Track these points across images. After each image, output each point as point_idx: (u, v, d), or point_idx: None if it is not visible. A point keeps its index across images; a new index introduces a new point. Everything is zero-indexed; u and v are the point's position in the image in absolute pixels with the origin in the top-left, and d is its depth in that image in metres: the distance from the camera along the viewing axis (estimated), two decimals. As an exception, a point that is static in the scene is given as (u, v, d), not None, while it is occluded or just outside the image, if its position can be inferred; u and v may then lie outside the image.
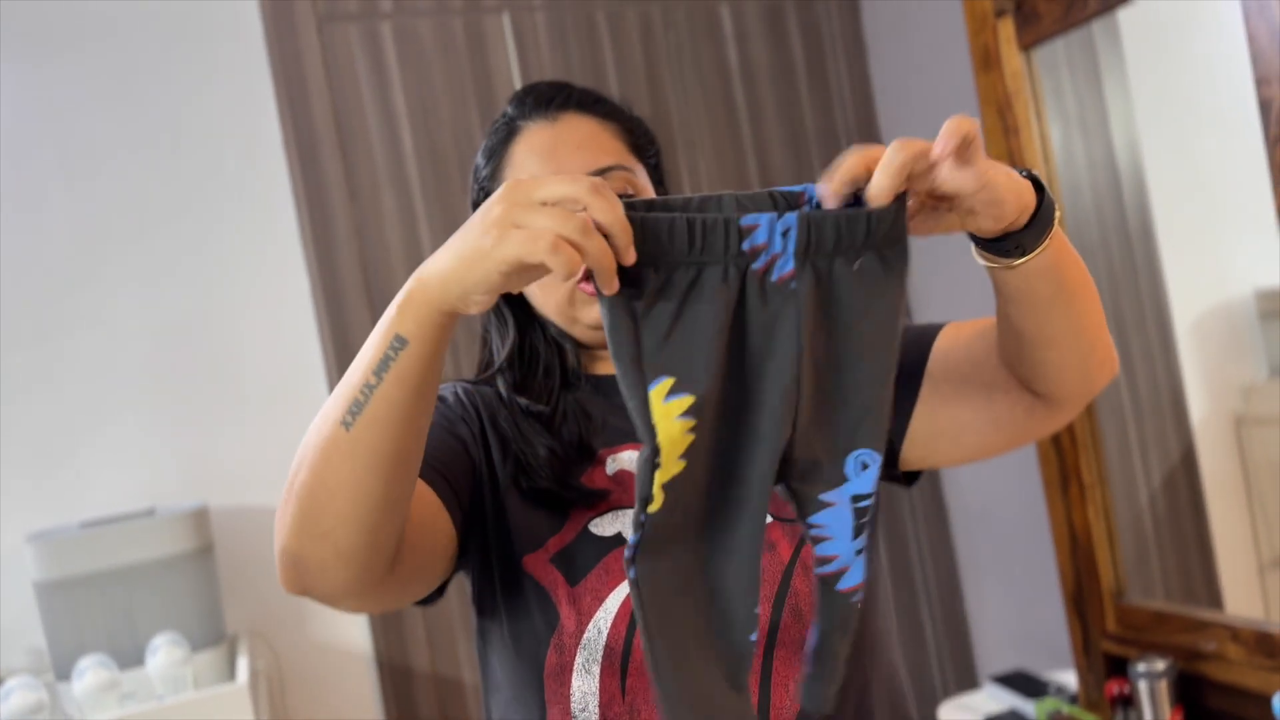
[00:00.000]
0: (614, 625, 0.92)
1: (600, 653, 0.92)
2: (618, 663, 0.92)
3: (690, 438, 0.71)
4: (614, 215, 0.68)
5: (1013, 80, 1.89)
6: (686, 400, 0.70)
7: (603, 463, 1.00)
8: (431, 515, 0.91)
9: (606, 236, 0.68)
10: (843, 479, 0.75)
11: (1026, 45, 1.88)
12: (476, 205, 1.03)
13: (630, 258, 0.69)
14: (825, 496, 0.76)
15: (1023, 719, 2.04)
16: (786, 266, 0.71)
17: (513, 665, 0.97)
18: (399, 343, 0.72)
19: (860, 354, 0.73)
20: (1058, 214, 0.79)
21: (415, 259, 2.39)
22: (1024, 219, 0.76)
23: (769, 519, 0.94)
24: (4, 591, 2.13)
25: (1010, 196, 0.74)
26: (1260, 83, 1.48)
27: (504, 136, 1.03)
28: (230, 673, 2.03)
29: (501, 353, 1.05)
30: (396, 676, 2.33)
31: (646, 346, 0.70)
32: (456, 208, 2.41)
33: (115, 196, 2.27)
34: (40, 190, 2.24)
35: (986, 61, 1.93)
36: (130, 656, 1.95)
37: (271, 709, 2.14)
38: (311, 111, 2.34)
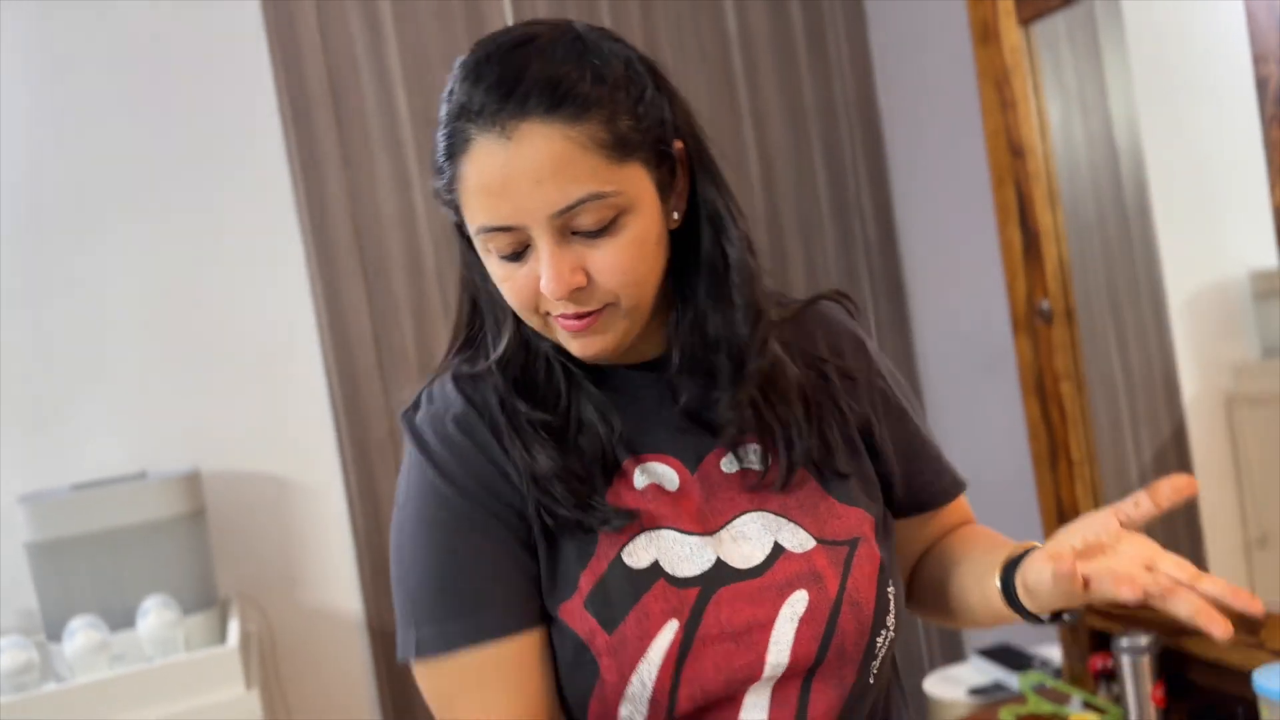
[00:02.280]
0: (659, 677, 0.85)
1: (646, 706, 0.86)
2: (663, 715, 0.86)
3: None
4: None
5: (1011, 54, 1.88)
6: None
7: (629, 475, 0.90)
8: (544, 655, 0.88)
9: None
10: None
11: (1026, 19, 1.87)
12: (443, 198, 0.87)
13: None
14: None
15: (1007, 691, 2.06)
16: None
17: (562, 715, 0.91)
18: None
19: None
20: None
21: (409, 223, 2.39)
22: None
23: (813, 542, 0.90)
24: (-4, 552, 2.13)
25: None
26: (1257, 60, 1.47)
27: (454, 144, 0.83)
28: (221, 636, 2.04)
29: (500, 345, 0.91)
30: (388, 641, 2.35)
31: None
32: (451, 175, 2.40)
33: (109, 160, 2.26)
34: (34, 154, 2.22)
35: (985, 35, 1.91)
36: (121, 618, 1.96)
37: (262, 672, 2.15)
38: (305, 74, 2.33)
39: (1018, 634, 2.31)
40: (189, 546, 2.05)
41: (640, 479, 0.90)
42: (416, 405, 0.93)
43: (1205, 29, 1.85)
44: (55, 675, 1.96)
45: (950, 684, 2.15)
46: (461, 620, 0.86)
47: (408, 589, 0.89)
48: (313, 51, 2.33)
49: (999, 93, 1.91)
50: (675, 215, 0.89)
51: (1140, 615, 1.84)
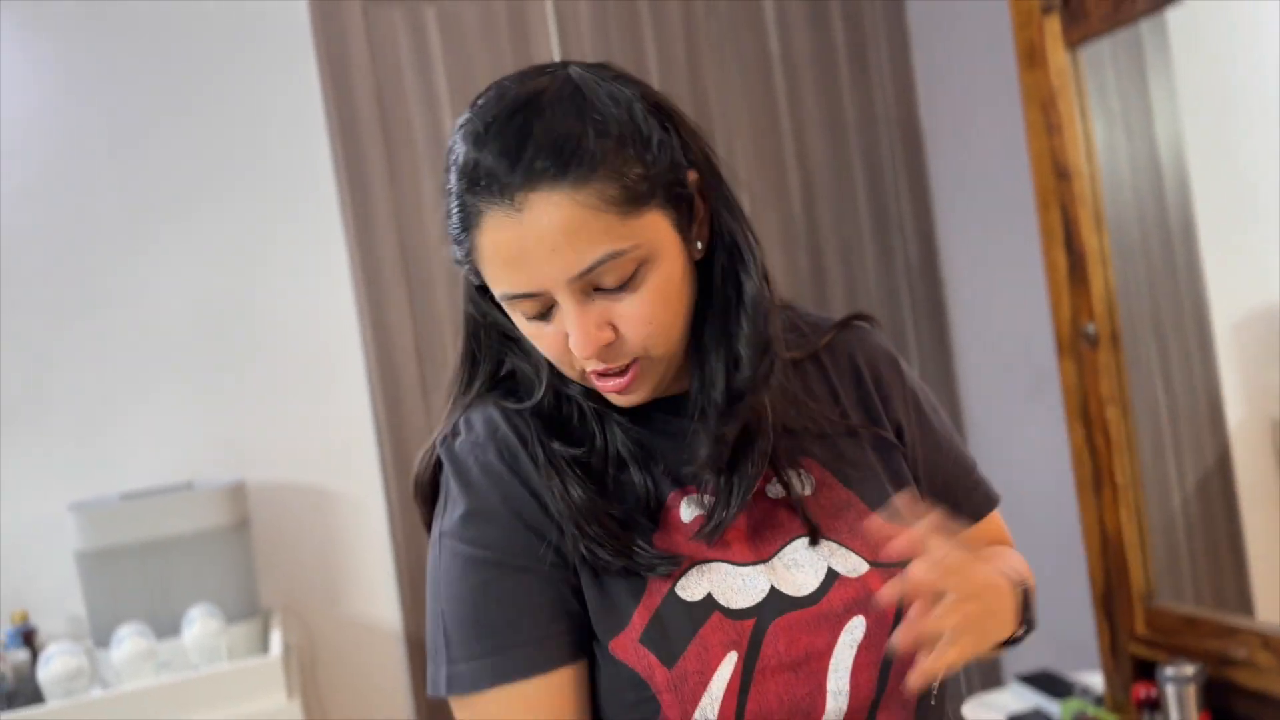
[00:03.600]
0: (721, 711, 0.84)
1: None
2: None
3: None
4: None
5: (1057, 77, 1.88)
6: None
7: (674, 509, 0.89)
8: (580, 691, 0.88)
9: None
10: None
11: (1073, 42, 1.87)
12: (472, 279, 0.89)
13: None
14: None
15: (1047, 719, 2.04)
16: None
17: None
18: None
19: None
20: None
21: (453, 242, 2.41)
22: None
23: (866, 566, 0.89)
24: (46, 560, 2.18)
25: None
26: (1310, 86, 1.46)
27: (465, 218, 0.82)
28: (264, 646, 2.07)
29: (539, 384, 0.90)
30: (425, 653, 2.36)
31: None
32: (495, 192, 2.43)
33: (161, 174, 2.31)
34: (88, 168, 2.28)
35: (1031, 58, 1.91)
36: (167, 626, 1.99)
37: (303, 682, 2.18)
38: (355, 93, 2.36)
39: (1059, 660, 2.29)
40: (234, 556, 2.08)
41: (686, 512, 0.89)
42: (455, 432, 0.92)
43: (1251, 51, 1.84)
44: (102, 681, 1.99)
45: (990, 710, 2.13)
46: (491, 658, 0.85)
47: (440, 624, 0.88)
48: (361, 69, 2.37)
49: (1045, 115, 1.90)
50: (699, 245, 0.88)
51: (1186, 645, 1.82)
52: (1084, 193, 1.89)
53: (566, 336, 0.83)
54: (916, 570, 0.79)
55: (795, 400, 0.93)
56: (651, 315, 0.83)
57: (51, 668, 1.85)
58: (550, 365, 0.89)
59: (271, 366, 2.35)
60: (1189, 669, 1.72)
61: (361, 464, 2.38)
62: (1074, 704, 1.99)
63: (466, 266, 0.86)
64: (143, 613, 1.99)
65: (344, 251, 2.38)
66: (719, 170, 0.89)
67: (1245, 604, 1.91)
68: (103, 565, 2.00)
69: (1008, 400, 2.53)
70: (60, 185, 2.26)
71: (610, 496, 0.87)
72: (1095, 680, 2.10)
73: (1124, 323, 1.92)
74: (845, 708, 0.87)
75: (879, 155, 2.69)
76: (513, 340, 0.93)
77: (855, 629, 0.87)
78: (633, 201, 0.80)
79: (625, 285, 0.82)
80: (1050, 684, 2.13)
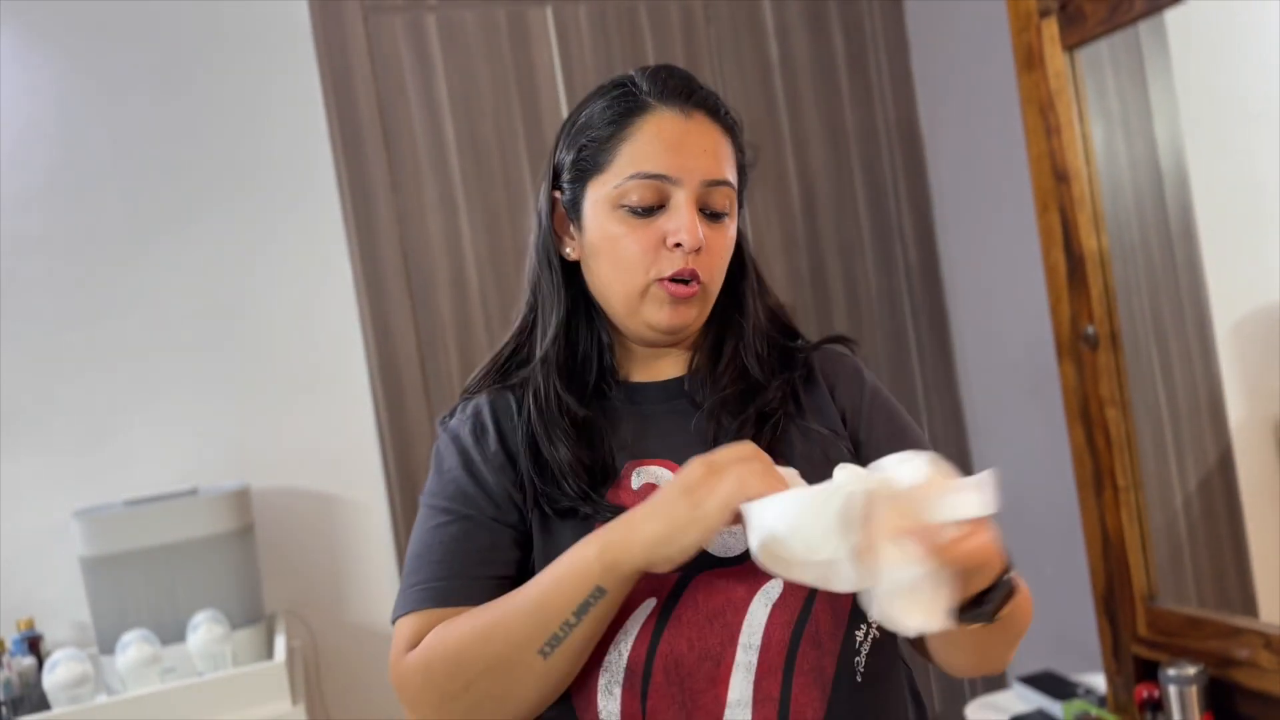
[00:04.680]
0: (634, 647, 0.93)
1: (622, 674, 0.93)
2: (638, 684, 0.92)
3: None
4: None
5: (1055, 80, 1.89)
6: None
7: (625, 479, 0.99)
8: None
9: None
10: None
11: (1070, 45, 1.87)
12: (577, 163, 1.02)
13: None
14: None
15: None
16: None
17: None
18: (599, 593, 0.86)
19: None
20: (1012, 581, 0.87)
21: (455, 246, 2.42)
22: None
23: None
24: (51, 566, 2.18)
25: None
26: (1307, 87, 1.47)
27: (632, 107, 0.99)
28: (268, 651, 2.07)
29: (549, 329, 1.04)
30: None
31: None
32: (497, 198, 2.44)
33: (164, 182, 2.32)
34: (91, 175, 2.29)
35: (1029, 61, 1.92)
36: (172, 632, 2.00)
37: (307, 687, 2.18)
38: (356, 101, 2.38)
39: (1061, 661, 2.29)
40: (238, 562, 2.09)
41: (636, 480, 0.99)
42: (452, 414, 1.06)
43: (1250, 52, 1.84)
44: (108, 688, 2.00)
45: (993, 712, 2.14)
46: (425, 586, 0.95)
47: (408, 556, 1.00)
48: (363, 78, 2.38)
49: (1043, 118, 1.91)
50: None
51: (1188, 646, 1.82)
52: (1083, 195, 1.89)
53: (661, 235, 0.97)
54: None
55: (757, 388, 1.04)
56: (725, 248, 1.01)
57: (56, 674, 1.86)
58: (567, 325, 1.03)
59: (275, 372, 2.36)
60: (1191, 670, 1.73)
61: (364, 469, 2.39)
62: (1076, 705, 1.99)
63: (580, 161, 1.01)
64: (148, 619, 2.00)
65: (346, 257, 2.39)
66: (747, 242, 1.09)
67: (1248, 604, 1.91)
68: (108, 572, 2.01)
69: (1009, 402, 2.53)
70: (63, 193, 2.27)
71: (583, 450, 0.98)
72: (1098, 681, 2.10)
73: (1124, 324, 1.92)
74: (755, 662, 0.92)
75: (879, 159, 2.69)
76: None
77: (772, 589, 0.93)
78: (739, 169, 1.03)
79: (721, 216, 1.00)
80: (1052, 685, 2.13)
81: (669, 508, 0.84)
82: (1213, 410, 1.98)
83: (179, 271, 2.32)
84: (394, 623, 0.98)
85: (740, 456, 0.85)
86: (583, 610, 0.86)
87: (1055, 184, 1.92)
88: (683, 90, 1.00)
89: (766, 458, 0.85)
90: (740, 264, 1.07)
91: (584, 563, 0.87)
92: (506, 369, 1.07)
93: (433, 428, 2.37)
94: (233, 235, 2.35)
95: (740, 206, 1.05)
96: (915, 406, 2.69)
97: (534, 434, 0.99)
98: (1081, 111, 1.89)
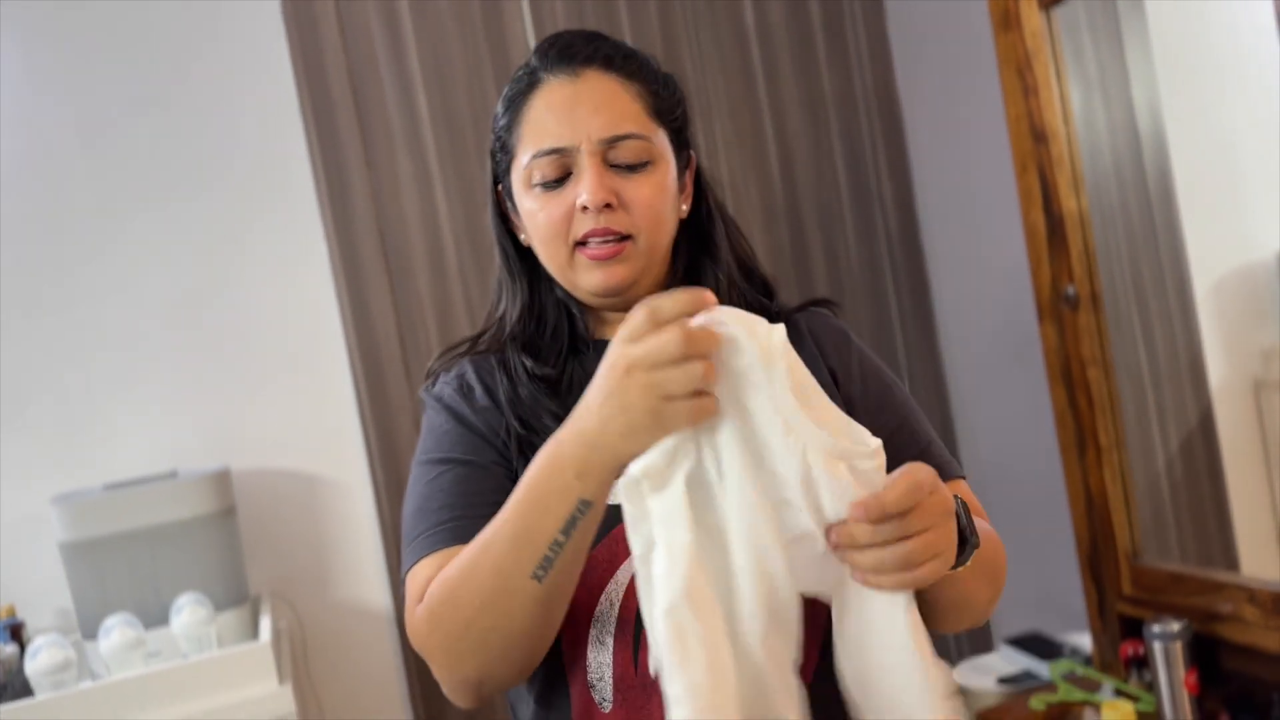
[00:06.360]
0: (625, 598, 0.92)
1: (613, 625, 0.92)
2: (630, 635, 0.92)
3: None
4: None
5: (1032, 40, 1.88)
6: None
7: None
8: None
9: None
10: None
11: (1047, 5, 1.86)
12: (495, 155, 1.06)
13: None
14: None
15: (1037, 680, 2.05)
16: None
17: None
18: (585, 506, 0.81)
19: None
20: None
21: (432, 223, 2.40)
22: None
23: None
24: (31, 553, 2.16)
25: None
26: (1284, 41, 1.46)
27: (524, 87, 1.01)
28: (253, 632, 2.06)
29: (513, 312, 1.07)
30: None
31: None
32: (472, 172, 2.41)
33: (135, 164, 2.29)
34: (63, 161, 2.25)
35: (1006, 21, 1.91)
36: (155, 616, 1.98)
37: (294, 667, 2.17)
38: (328, 77, 2.34)
39: (1047, 622, 2.31)
40: (220, 544, 2.07)
41: None
42: (435, 382, 1.07)
43: (1230, 13, 1.84)
44: (91, 673, 1.98)
45: (980, 674, 2.15)
46: (431, 532, 0.95)
47: (406, 517, 0.99)
48: (334, 54, 2.35)
49: (1021, 79, 1.90)
50: (684, 207, 1.06)
51: (1173, 602, 1.84)
52: (1061, 155, 1.89)
53: (572, 204, 0.98)
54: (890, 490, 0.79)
55: None
56: (650, 200, 0.99)
57: (39, 661, 1.84)
58: (533, 288, 1.06)
59: (253, 353, 2.34)
60: (1175, 626, 1.74)
61: (346, 447, 2.37)
62: (1063, 664, 2.00)
63: (500, 145, 1.03)
64: (130, 603, 1.98)
65: (322, 237, 2.37)
66: (710, 184, 1.10)
67: (1230, 559, 1.93)
68: (88, 557, 1.99)
69: (991, 365, 2.53)
70: (35, 179, 2.24)
71: (561, 404, 0.99)
72: (1084, 640, 2.11)
73: (1104, 284, 1.92)
74: None
75: (857, 125, 2.68)
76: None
77: None
78: (656, 114, 1.01)
79: (637, 168, 0.99)
80: (1039, 646, 2.15)
81: (622, 407, 0.77)
82: (1193, 370, 1.98)
83: (154, 255, 2.29)
84: (404, 580, 0.96)
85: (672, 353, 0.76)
86: (570, 526, 0.82)
87: (1034, 144, 1.91)
88: (568, 53, 1.00)
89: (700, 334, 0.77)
90: (705, 209, 1.07)
91: (558, 477, 0.81)
92: (478, 343, 1.09)
93: (414, 405, 2.35)
94: (207, 216, 2.32)
95: (684, 148, 1.05)
96: (898, 372, 2.69)
97: (516, 393, 1.02)
98: (1059, 71, 1.88)
